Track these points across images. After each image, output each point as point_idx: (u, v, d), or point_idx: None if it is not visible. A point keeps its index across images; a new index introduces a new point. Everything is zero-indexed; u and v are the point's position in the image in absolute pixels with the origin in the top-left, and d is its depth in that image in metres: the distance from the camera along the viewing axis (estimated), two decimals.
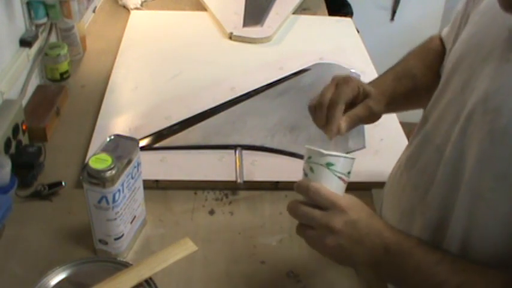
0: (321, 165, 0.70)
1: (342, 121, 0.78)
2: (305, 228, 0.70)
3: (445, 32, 0.94)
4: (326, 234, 0.67)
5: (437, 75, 0.86)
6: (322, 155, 0.70)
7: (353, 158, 0.72)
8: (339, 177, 0.71)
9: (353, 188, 0.99)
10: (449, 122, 0.72)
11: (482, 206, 0.64)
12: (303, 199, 0.71)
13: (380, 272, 0.69)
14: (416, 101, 0.92)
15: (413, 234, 0.75)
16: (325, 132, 0.79)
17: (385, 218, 0.87)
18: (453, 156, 0.70)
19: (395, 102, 0.88)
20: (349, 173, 0.72)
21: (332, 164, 0.70)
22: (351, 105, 0.80)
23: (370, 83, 0.89)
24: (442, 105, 0.76)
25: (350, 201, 0.69)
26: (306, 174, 0.72)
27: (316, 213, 0.68)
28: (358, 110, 0.81)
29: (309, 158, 0.72)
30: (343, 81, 0.80)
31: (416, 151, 0.81)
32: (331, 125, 0.78)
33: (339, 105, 0.78)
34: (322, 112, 0.79)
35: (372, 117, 0.83)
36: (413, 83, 0.91)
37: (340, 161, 0.70)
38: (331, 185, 0.70)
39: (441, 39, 0.94)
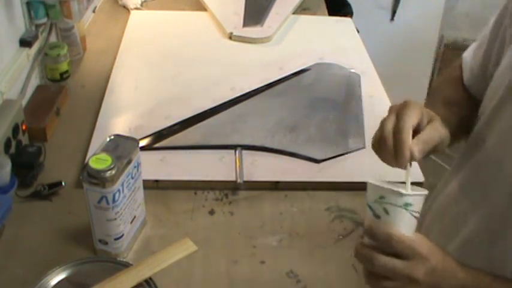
0: (399, 206, 0.64)
1: (414, 145, 0.67)
2: (380, 278, 0.65)
3: (469, 52, 0.90)
4: (406, 285, 0.64)
5: (475, 103, 0.83)
6: (401, 195, 0.63)
7: (426, 193, 0.66)
8: (415, 217, 0.65)
9: (354, 188, 1.01)
10: None
11: None
12: (368, 241, 0.66)
13: None
14: (466, 129, 0.84)
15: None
16: (397, 162, 0.68)
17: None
18: None
19: (451, 131, 0.76)
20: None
21: (411, 205, 0.64)
22: (415, 132, 0.70)
23: None
24: (501, 130, 0.73)
25: (429, 247, 0.65)
26: (377, 216, 0.65)
27: (398, 264, 0.64)
28: (428, 132, 0.70)
29: (382, 197, 0.64)
30: (402, 106, 0.70)
31: (474, 174, 0.79)
32: (402, 150, 0.67)
33: (406, 129, 0.68)
34: (387, 144, 0.68)
35: (441, 144, 0.72)
36: (460, 110, 0.85)
37: (418, 199, 0.64)
38: (409, 227, 0.65)
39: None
